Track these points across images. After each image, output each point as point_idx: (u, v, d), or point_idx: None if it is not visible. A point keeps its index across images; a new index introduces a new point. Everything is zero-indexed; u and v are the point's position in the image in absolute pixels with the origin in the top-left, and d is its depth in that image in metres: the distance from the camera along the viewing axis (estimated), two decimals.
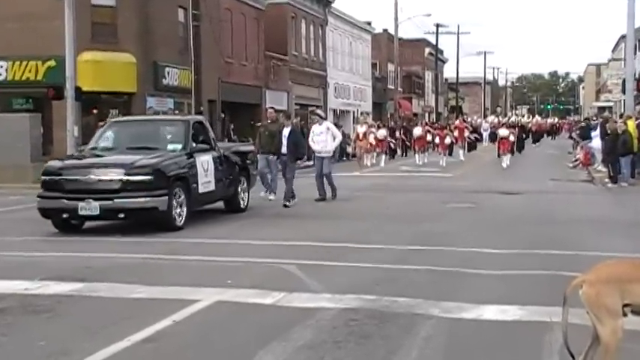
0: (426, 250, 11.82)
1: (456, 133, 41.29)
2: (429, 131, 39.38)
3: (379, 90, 67.84)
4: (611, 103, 72.35)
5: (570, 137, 58.13)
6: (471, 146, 46.37)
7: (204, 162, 15.51)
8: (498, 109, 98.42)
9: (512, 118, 69.44)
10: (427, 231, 13.94)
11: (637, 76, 39.08)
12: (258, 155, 19.11)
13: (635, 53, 37.12)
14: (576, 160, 33.45)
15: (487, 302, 8.20)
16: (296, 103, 47.43)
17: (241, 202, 17.34)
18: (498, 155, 34.42)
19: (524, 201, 19.64)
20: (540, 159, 41.46)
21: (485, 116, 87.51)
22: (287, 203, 18.11)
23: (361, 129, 32.48)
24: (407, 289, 8.90)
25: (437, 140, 37.91)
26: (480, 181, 26.39)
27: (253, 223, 15.64)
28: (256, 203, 18.25)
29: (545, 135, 79.74)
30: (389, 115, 64.76)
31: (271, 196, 19.29)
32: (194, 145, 15.45)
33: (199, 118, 17.68)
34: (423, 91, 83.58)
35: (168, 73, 33.40)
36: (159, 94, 32.85)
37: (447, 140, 37.13)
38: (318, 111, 21.24)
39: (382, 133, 37.81)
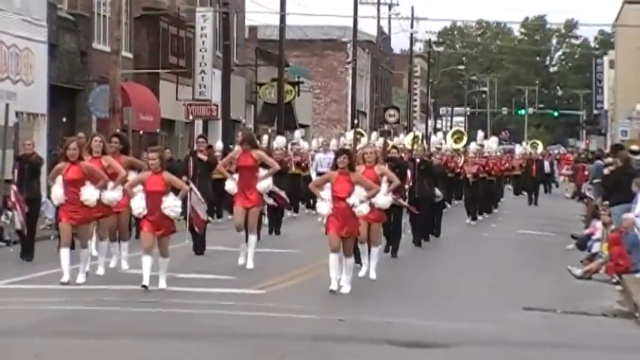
0: None
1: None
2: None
3: (67, 48, 27.00)
4: None
5: (579, 195, 33.08)
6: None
7: None
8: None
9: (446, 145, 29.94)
10: None
11: None
12: None
13: None
14: (592, 256, 16.81)
15: None
16: None
17: None
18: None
19: None
20: (501, 245, 21.76)
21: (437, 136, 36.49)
22: None
23: None
24: None
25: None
26: (337, 307, 12.44)
27: None
28: None
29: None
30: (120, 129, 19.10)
31: None
32: None
33: None
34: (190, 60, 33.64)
35: None
36: None
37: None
38: None
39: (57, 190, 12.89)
